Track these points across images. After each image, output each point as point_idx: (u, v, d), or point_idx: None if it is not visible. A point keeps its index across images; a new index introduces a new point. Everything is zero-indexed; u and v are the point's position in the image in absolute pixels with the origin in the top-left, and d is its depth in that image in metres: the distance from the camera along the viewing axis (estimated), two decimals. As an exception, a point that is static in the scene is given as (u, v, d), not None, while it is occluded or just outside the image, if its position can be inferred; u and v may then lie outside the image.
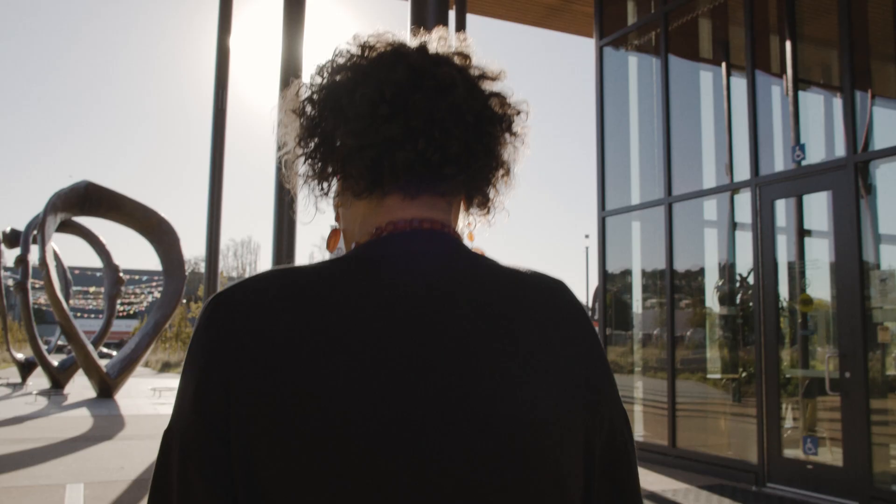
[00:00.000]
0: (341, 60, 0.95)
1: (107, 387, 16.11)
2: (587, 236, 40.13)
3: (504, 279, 0.90)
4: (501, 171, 0.96)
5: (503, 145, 0.95)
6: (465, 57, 0.96)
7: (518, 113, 0.97)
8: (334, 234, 1.02)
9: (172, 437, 0.82)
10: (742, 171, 7.84)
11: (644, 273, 9.28)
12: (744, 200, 7.83)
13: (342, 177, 0.92)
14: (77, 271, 35.62)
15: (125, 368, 16.65)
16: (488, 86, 0.95)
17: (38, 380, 19.84)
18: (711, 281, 8.49)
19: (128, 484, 7.16)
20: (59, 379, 17.82)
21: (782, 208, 7.54)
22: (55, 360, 18.84)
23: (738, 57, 8.26)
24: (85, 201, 15.89)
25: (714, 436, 8.24)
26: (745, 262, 8.04)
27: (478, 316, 0.85)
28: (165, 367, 30.90)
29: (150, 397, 16.39)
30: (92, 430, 11.02)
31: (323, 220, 1.05)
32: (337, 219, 1.01)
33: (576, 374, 0.88)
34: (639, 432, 8.85)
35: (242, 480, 0.79)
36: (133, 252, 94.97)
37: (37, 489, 6.86)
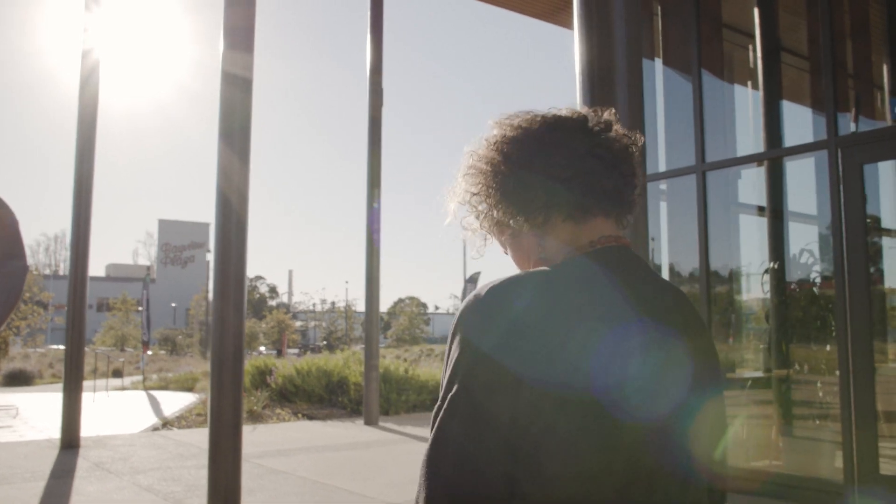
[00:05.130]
0: (530, 125, 1.25)
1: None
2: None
3: (671, 287, 1.27)
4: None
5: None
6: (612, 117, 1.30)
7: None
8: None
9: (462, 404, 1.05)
10: (816, 130, 6.57)
11: (668, 251, 7.85)
12: (811, 165, 6.56)
13: (548, 207, 1.21)
14: None
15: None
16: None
17: None
18: (758, 264, 7.19)
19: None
20: None
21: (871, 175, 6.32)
22: None
23: None
24: None
25: (766, 447, 6.93)
26: (804, 241, 6.78)
27: (682, 318, 1.22)
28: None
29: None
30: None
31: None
32: (508, 249, 1.35)
33: (713, 362, 1.26)
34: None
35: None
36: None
37: None
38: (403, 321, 69.82)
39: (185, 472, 8.03)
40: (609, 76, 3.12)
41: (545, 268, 1.16)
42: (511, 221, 1.24)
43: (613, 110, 1.33)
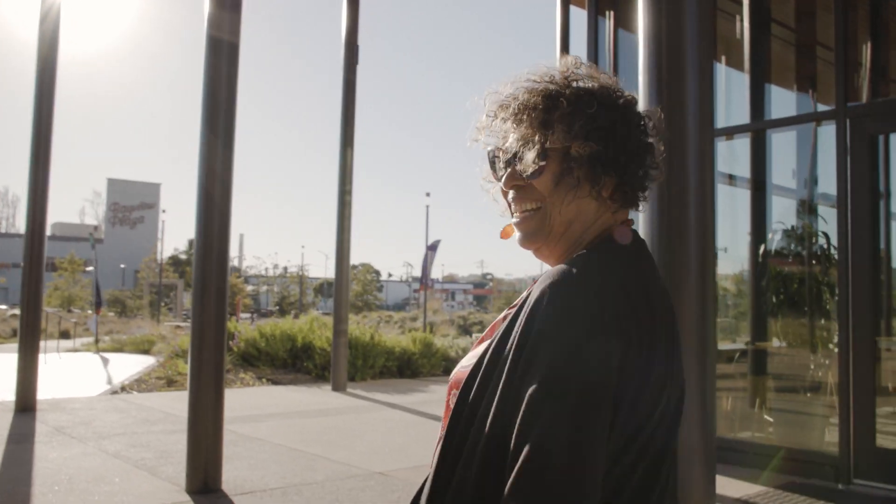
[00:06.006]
0: (631, 98, 1.25)
1: None
2: (428, 194, 38.65)
3: None
4: None
5: None
6: None
7: None
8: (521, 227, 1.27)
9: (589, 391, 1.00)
10: (824, 98, 6.42)
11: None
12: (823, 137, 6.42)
13: (615, 185, 1.21)
14: None
15: None
16: None
17: None
18: (755, 235, 7.06)
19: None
20: None
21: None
22: None
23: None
24: None
25: (756, 419, 6.86)
26: (806, 212, 6.66)
27: None
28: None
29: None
30: None
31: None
32: (525, 200, 1.24)
33: None
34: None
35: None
36: None
37: None
38: (356, 287, 69.45)
39: (153, 438, 7.67)
40: (679, 51, 2.84)
41: (623, 253, 1.17)
42: (584, 172, 1.18)
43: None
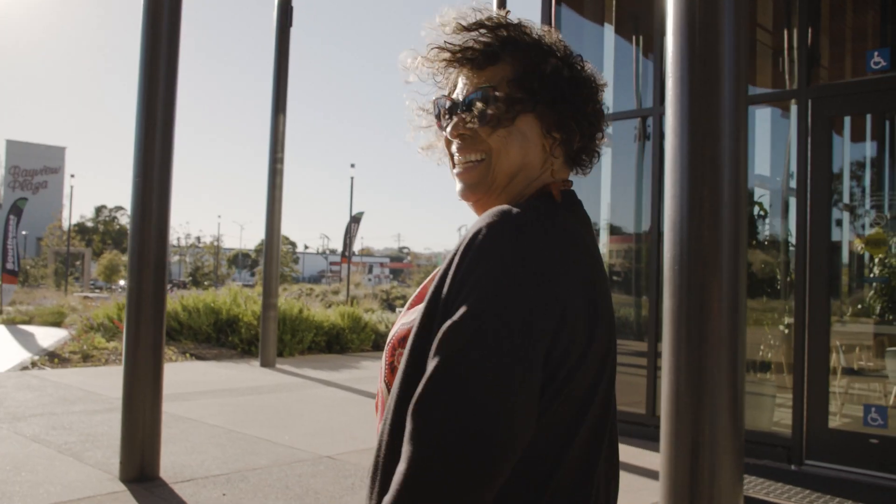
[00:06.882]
0: (567, 54, 1.16)
1: None
2: (353, 165, 37.80)
3: None
4: None
5: None
6: None
7: None
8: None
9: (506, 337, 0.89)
10: (788, 80, 6.34)
11: (614, 202, 7.53)
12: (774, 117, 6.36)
13: (564, 142, 1.15)
14: None
15: None
16: None
17: None
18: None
19: None
20: None
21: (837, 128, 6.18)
22: None
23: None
24: None
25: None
26: (762, 192, 6.63)
27: None
28: None
29: None
30: None
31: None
32: (478, 148, 1.14)
33: None
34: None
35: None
36: None
37: None
38: (274, 259, 67.79)
39: (74, 419, 7.13)
40: (714, 26, 2.60)
41: (563, 208, 1.09)
42: (533, 124, 1.12)
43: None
